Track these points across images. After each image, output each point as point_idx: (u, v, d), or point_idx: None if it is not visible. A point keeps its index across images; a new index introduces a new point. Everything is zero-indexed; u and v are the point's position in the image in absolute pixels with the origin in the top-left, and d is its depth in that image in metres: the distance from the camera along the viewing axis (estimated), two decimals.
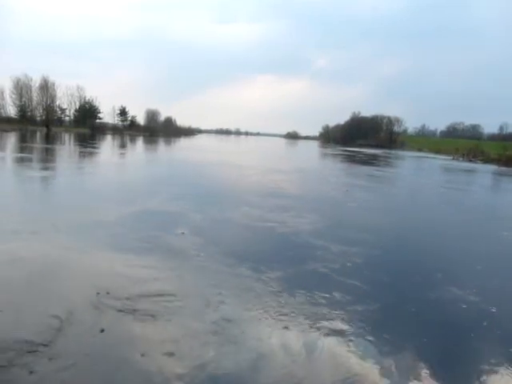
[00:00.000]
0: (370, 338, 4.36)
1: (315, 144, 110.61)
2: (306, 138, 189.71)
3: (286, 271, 6.18)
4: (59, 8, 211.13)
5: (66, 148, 35.60)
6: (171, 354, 3.82)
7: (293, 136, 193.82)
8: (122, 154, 33.94)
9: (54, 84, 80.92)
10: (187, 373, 3.57)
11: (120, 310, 4.57)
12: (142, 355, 3.76)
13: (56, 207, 10.24)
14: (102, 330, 4.11)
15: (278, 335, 4.27)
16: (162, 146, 51.13)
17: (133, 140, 62.49)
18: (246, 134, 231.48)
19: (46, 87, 79.91)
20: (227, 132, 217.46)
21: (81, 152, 31.10)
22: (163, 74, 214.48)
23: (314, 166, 33.92)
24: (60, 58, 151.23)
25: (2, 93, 76.78)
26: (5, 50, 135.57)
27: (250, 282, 5.66)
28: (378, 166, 37.10)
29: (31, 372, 3.43)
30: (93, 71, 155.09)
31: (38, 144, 37.40)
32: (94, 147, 38.48)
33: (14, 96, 77.77)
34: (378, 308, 5.18)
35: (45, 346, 3.79)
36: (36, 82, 78.89)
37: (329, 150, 66.75)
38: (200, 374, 3.58)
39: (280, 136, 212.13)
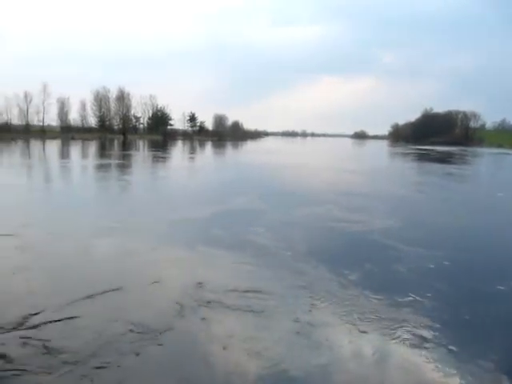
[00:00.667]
0: (451, 348, 4.06)
1: (384, 143, 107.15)
2: (375, 137, 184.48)
3: (366, 273, 6.08)
4: (133, 26, 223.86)
5: (142, 154, 37.52)
6: (251, 351, 3.91)
7: (360, 136, 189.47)
8: (193, 158, 35.21)
9: (129, 94, 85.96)
10: (263, 370, 3.65)
11: (214, 302, 4.84)
12: (224, 348, 3.91)
13: (149, 208, 11.04)
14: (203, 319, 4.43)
15: (355, 339, 4.19)
16: (230, 149, 52.23)
17: (202, 145, 64.50)
18: (312, 135, 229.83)
19: (122, 98, 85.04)
20: (293, 134, 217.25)
21: (155, 157, 32.65)
22: (229, 80, 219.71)
23: (386, 165, 32.92)
24: (134, 69, 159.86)
25: (84, 105, 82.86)
26: (88, 66, 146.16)
27: (333, 283, 5.64)
28: (455, 164, 35.14)
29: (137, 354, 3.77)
30: (164, 80, 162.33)
31: (117, 151, 39.89)
32: (167, 152, 40.34)
33: (94, 107, 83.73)
34: (462, 315, 4.88)
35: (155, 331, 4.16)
36: (113, 94, 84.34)
37: (399, 149, 64.36)
38: (275, 372, 3.63)
39: (347, 136, 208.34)
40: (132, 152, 39.80)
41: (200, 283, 5.39)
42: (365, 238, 8.14)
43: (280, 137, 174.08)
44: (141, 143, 63.02)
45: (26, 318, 4.30)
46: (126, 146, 50.66)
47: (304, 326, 4.39)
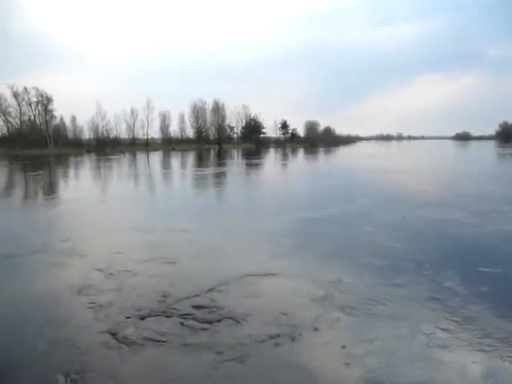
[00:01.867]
0: None
1: (491, 144, 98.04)
2: (480, 138, 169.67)
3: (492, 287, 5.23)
4: (225, 39, 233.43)
5: (239, 162, 38.62)
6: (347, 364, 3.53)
7: (463, 137, 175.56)
8: (288, 164, 35.28)
9: (223, 105, 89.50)
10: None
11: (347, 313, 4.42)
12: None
13: (273, 209, 11.56)
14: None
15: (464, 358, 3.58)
16: (325, 155, 51.43)
17: (295, 151, 64.59)
18: (409, 138, 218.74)
19: (217, 109, 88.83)
20: (387, 138, 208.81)
21: (255, 165, 33.35)
22: (321, 85, 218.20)
23: (498, 167, 29.91)
24: (228, 80, 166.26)
25: (183, 117, 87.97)
26: (185, 80, 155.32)
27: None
28: None
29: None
30: (256, 89, 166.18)
31: (215, 160, 41.62)
32: (264, 160, 41.04)
33: (191, 119, 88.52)
34: None
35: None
36: (209, 105, 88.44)
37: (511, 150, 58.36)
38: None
39: (448, 138, 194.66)
40: (228, 160, 41.17)
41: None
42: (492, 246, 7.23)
43: (374, 141, 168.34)
44: (235, 152, 64.97)
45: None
46: (221, 155, 52.57)
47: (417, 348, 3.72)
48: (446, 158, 44.81)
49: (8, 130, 68.01)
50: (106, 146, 71.06)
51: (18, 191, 17.95)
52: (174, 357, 3.64)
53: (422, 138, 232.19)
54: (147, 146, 78.60)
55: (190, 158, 47.14)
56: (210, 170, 27.21)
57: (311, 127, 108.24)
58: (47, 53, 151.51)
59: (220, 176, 22.94)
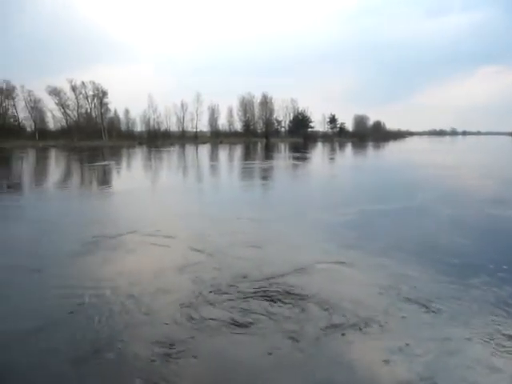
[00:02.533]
0: None
1: None
2: None
3: None
4: (274, 31, 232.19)
5: (288, 156, 38.59)
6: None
7: None
8: (339, 158, 34.92)
9: (271, 99, 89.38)
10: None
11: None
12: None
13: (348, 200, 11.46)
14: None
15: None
16: (374, 150, 50.33)
17: (343, 146, 63.67)
18: (464, 133, 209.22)
19: (265, 102, 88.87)
20: (440, 133, 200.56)
21: (299, 158, 33.23)
22: (371, 78, 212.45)
23: None
24: (277, 73, 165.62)
25: (231, 111, 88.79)
26: (234, 74, 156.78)
27: None
28: None
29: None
30: (304, 83, 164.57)
31: (265, 153, 41.82)
32: (308, 153, 40.79)
33: (240, 113, 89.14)
34: None
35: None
36: (257, 99, 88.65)
37: None
38: None
39: (505, 134, 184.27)
40: (277, 154, 41.26)
41: None
42: None
43: (426, 137, 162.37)
44: (282, 146, 64.88)
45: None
46: (269, 149, 52.69)
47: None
48: (506, 154, 42.59)
49: (67, 123, 71.52)
50: (156, 139, 73.07)
51: (87, 180, 19.03)
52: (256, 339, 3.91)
53: (478, 133, 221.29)
54: (196, 138, 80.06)
55: (238, 151, 47.62)
56: (260, 163, 27.43)
57: (360, 121, 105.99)
58: (103, 49, 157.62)
59: (271, 169, 23.13)
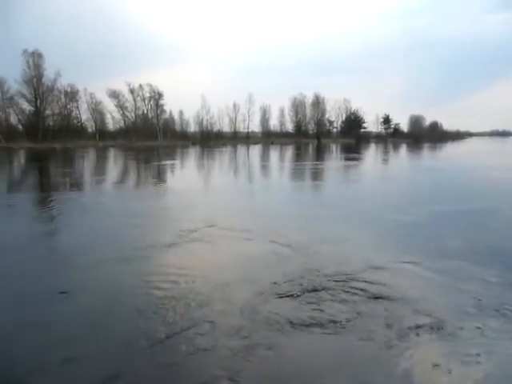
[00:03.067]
0: None
1: None
2: None
3: None
4: (325, 30, 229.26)
5: (341, 157, 38.05)
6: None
7: None
8: (389, 159, 33.95)
9: (324, 99, 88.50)
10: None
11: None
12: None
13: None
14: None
15: None
16: (430, 151, 48.43)
17: (397, 147, 61.68)
18: None
19: (317, 103, 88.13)
20: (504, 134, 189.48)
21: (352, 159, 32.64)
22: (428, 77, 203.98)
23: None
24: (329, 73, 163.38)
25: (283, 111, 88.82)
26: (285, 74, 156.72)
27: None
28: None
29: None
30: (358, 82, 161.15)
31: (314, 154, 41.52)
32: (361, 154, 39.96)
33: (291, 113, 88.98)
34: None
35: None
36: (309, 99, 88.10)
37: None
38: None
39: None
40: (329, 155, 40.84)
41: None
42: None
43: (487, 137, 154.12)
44: (334, 147, 64.03)
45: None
46: (320, 150, 52.19)
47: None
48: None
49: (125, 124, 74.59)
50: (209, 139, 74.56)
51: (153, 179, 19.78)
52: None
53: None
54: (248, 139, 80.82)
55: (290, 151, 47.51)
56: (313, 164, 27.28)
57: (416, 122, 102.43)
58: (159, 52, 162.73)
59: (326, 170, 22.99)
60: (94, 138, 68.30)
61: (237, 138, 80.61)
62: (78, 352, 3.53)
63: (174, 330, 3.86)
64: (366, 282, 5.04)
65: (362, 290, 4.80)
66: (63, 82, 64.79)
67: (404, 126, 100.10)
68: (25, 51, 59.85)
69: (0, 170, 25.21)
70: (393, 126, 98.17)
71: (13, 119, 64.74)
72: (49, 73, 62.23)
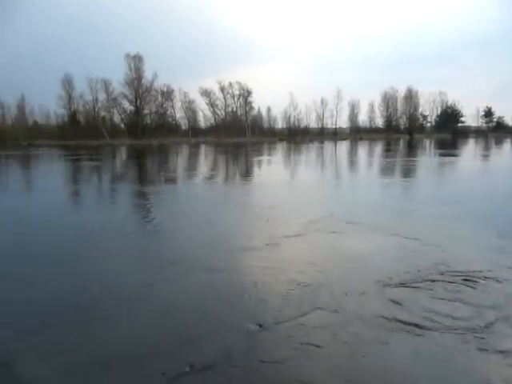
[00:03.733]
0: None
1: None
2: None
3: None
4: (418, 21, 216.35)
5: (436, 153, 35.92)
6: None
7: None
8: (488, 156, 31.32)
9: (417, 92, 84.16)
10: None
11: None
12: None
13: None
14: None
15: None
16: None
17: (500, 142, 56.55)
18: None
19: (409, 97, 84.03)
20: None
21: (449, 155, 30.60)
22: None
23: None
24: (423, 66, 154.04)
25: (373, 106, 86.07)
26: (375, 69, 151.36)
27: None
28: None
29: None
30: (455, 74, 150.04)
31: (407, 150, 39.52)
32: (459, 150, 37.28)
33: (381, 108, 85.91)
34: None
35: None
36: (401, 93, 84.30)
37: None
38: None
39: None
40: (422, 151, 38.78)
41: None
42: None
43: None
44: (427, 142, 60.57)
45: None
46: (413, 146, 49.66)
47: None
48: None
49: (215, 121, 77.60)
50: (296, 135, 74.69)
51: (254, 173, 20.43)
52: None
53: None
54: (335, 135, 79.65)
55: (380, 147, 45.85)
56: (408, 160, 26.07)
57: None
58: (248, 50, 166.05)
59: (423, 167, 21.97)
60: (187, 134, 71.92)
61: (324, 134, 79.80)
62: None
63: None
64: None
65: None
66: (160, 83, 69.22)
67: (509, 120, 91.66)
68: (127, 55, 65.08)
69: (107, 164, 27.63)
70: (495, 120, 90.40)
71: (116, 118, 70.65)
72: (147, 74, 66.90)
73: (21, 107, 68.73)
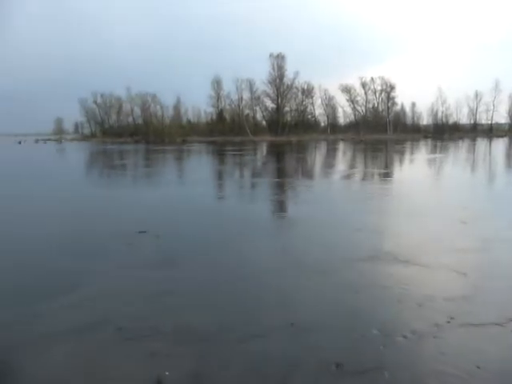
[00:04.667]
0: None
1: None
2: None
3: None
4: None
5: None
6: None
7: None
8: None
9: None
10: None
11: None
12: None
13: None
14: None
15: None
16: None
17: None
18: None
19: None
20: None
21: None
22: None
23: None
24: None
25: None
26: None
27: None
28: None
29: None
30: None
31: None
32: None
33: None
34: None
35: None
36: None
37: None
38: None
39: None
40: None
41: None
42: None
43: None
44: None
45: None
46: None
47: None
48: None
49: (355, 117, 76.05)
50: (443, 132, 69.12)
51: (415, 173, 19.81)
52: None
53: None
54: (490, 131, 71.46)
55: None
56: None
57: None
58: (392, 45, 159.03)
59: None
60: (325, 131, 72.01)
61: (476, 131, 72.24)
62: None
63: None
64: None
65: None
66: (300, 80, 70.49)
67: None
68: (271, 55, 67.56)
69: (264, 158, 29.20)
70: None
71: (258, 116, 74.27)
72: (289, 73, 68.71)
73: (176, 108, 77.30)
